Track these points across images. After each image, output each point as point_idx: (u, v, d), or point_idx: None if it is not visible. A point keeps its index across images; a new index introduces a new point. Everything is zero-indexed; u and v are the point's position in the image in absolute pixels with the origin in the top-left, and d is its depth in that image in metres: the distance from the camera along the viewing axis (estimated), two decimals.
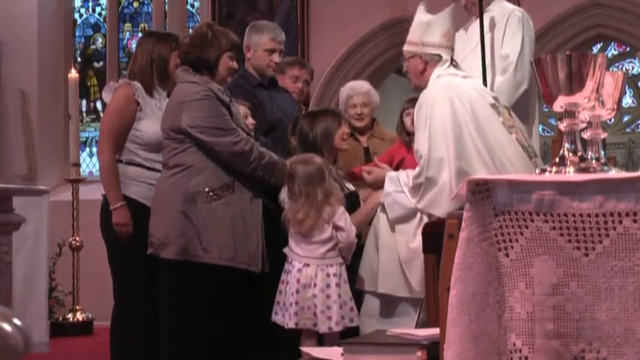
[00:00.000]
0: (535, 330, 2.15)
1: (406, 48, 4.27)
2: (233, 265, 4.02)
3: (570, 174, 2.26)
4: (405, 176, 4.17)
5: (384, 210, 4.22)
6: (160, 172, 4.21)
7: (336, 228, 4.07)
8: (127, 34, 9.26)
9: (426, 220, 4.07)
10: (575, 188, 2.14)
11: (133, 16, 9.28)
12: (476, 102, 4.10)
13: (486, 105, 4.14)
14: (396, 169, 4.55)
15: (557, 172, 2.29)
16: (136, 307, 4.26)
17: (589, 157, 2.43)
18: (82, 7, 9.39)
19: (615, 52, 10.07)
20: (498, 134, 4.07)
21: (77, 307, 7.34)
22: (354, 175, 4.61)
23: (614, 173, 2.31)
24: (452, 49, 4.26)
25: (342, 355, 2.97)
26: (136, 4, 9.28)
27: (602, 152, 2.52)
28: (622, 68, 9.95)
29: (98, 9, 9.36)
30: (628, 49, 9.34)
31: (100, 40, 9.33)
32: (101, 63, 9.28)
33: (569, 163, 2.31)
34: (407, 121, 4.74)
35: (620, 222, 2.10)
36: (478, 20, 4.63)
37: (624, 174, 2.26)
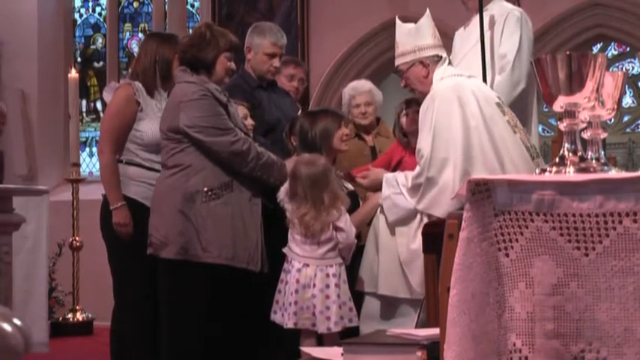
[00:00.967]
0: (535, 330, 2.15)
1: (402, 60, 4.26)
2: (232, 264, 4.02)
3: (570, 174, 2.26)
4: (404, 177, 4.17)
5: (383, 211, 4.22)
6: (159, 172, 4.21)
7: (336, 228, 4.07)
8: (127, 34, 9.26)
9: (426, 220, 4.07)
10: (575, 188, 2.14)
11: (133, 16, 9.28)
12: (482, 101, 4.09)
13: (492, 104, 4.13)
14: (394, 170, 4.55)
15: (557, 172, 2.29)
16: (136, 307, 4.26)
17: (589, 157, 2.43)
18: (82, 7, 9.39)
19: (615, 52, 10.06)
20: (504, 134, 4.07)
21: (77, 307, 7.34)
22: (351, 176, 4.60)
23: (614, 173, 2.31)
24: (443, 47, 4.28)
25: (342, 355, 2.97)
26: (136, 4, 9.28)
27: (602, 152, 2.51)
28: (622, 68, 9.95)
29: (98, 9, 9.36)
30: (628, 49, 9.33)
31: (100, 40, 9.34)
32: (101, 63, 9.28)
33: (569, 163, 2.31)
34: (404, 121, 4.75)
35: (620, 222, 2.11)
36: (477, 18, 4.63)
37: (624, 174, 2.26)
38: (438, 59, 4.21)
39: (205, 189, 4.01)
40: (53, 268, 7.49)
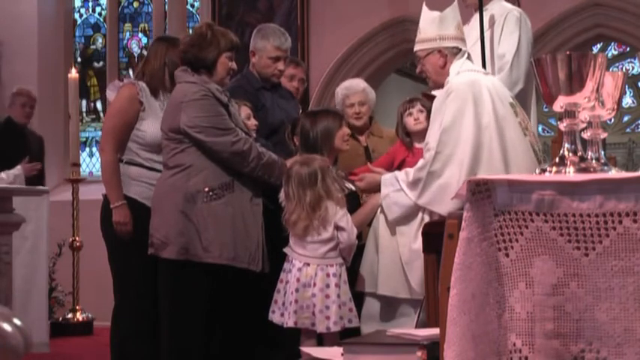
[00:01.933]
0: (535, 330, 2.15)
1: (422, 47, 4.21)
2: (233, 264, 4.02)
3: (570, 174, 2.26)
4: (404, 174, 4.15)
5: (383, 212, 4.22)
6: (160, 172, 4.21)
7: (338, 228, 4.08)
8: (127, 34, 9.26)
9: (427, 219, 4.06)
10: (575, 188, 2.14)
11: (133, 16, 9.28)
12: (497, 100, 4.07)
13: (506, 104, 4.11)
14: (397, 170, 4.54)
15: (557, 172, 2.29)
16: (136, 307, 4.26)
17: (589, 157, 2.43)
18: (82, 7, 9.39)
19: (615, 52, 10.08)
20: (514, 135, 4.04)
21: (77, 307, 7.34)
22: (355, 175, 4.60)
23: (614, 173, 2.31)
24: (465, 41, 4.25)
25: (342, 355, 2.97)
26: (136, 4, 9.28)
27: (602, 152, 2.51)
28: (622, 68, 9.95)
29: (98, 9, 9.36)
30: (628, 49, 9.35)
31: (100, 40, 9.34)
32: (101, 63, 9.28)
33: (569, 163, 2.31)
34: (408, 121, 4.72)
35: (620, 222, 2.11)
36: (477, 17, 4.63)
37: (624, 174, 2.26)
38: (457, 51, 4.18)
39: (206, 189, 4.01)
40: (53, 268, 7.49)
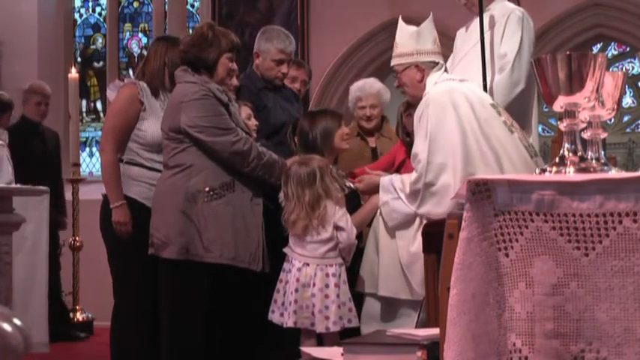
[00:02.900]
0: (535, 330, 2.15)
1: (399, 61, 4.26)
2: (234, 264, 4.02)
3: (570, 174, 2.26)
4: (400, 182, 4.17)
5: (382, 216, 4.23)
6: (160, 172, 4.21)
7: (337, 228, 4.08)
8: (127, 34, 9.27)
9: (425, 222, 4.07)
10: (575, 188, 2.14)
11: (133, 16, 9.28)
12: (476, 104, 4.11)
13: (487, 106, 4.15)
14: (397, 170, 4.55)
15: (557, 172, 2.29)
16: (136, 307, 4.26)
17: (589, 157, 2.43)
18: (82, 7, 9.40)
19: (615, 52, 10.06)
20: (500, 134, 4.08)
21: (77, 307, 7.34)
22: (355, 176, 4.60)
23: (614, 173, 2.31)
24: (442, 55, 4.29)
25: (342, 355, 2.97)
26: (136, 4, 9.28)
27: (602, 152, 2.51)
28: (622, 68, 9.94)
29: (98, 9, 9.36)
30: (628, 49, 9.33)
31: (100, 40, 9.34)
32: (101, 63, 9.28)
33: (569, 163, 2.30)
34: (408, 121, 4.73)
35: (620, 222, 2.10)
36: (478, 18, 4.63)
37: (624, 174, 2.26)
38: (434, 65, 4.22)
39: (207, 189, 4.01)
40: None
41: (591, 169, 2.30)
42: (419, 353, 2.77)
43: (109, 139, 4.34)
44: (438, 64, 4.23)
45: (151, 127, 4.28)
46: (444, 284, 2.33)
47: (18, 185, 5.71)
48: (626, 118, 10.42)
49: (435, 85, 4.17)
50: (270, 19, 7.76)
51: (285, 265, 4.12)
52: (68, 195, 7.37)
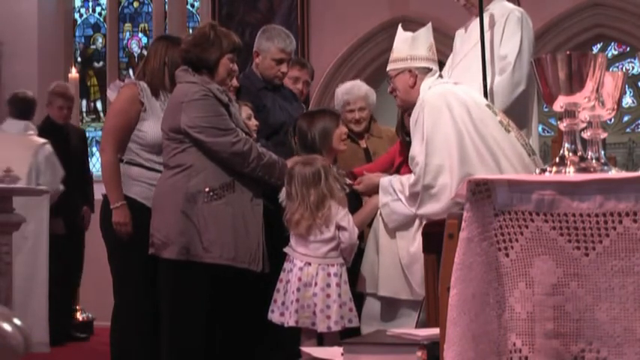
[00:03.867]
0: (535, 330, 2.15)
1: (393, 66, 4.28)
2: (234, 264, 4.02)
3: (570, 174, 2.26)
4: (399, 184, 4.18)
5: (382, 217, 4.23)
6: (159, 172, 4.21)
7: (339, 228, 4.08)
8: (127, 34, 9.27)
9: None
10: (575, 188, 2.14)
11: (133, 16, 9.28)
12: (471, 105, 4.13)
13: (482, 106, 4.17)
14: (398, 169, 4.55)
15: (557, 172, 2.29)
16: (136, 307, 4.26)
17: (589, 157, 2.43)
18: (82, 7, 9.40)
19: (615, 52, 10.06)
20: (496, 134, 4.09)
21: (77, 307, 7.34)
22: (354, 175, 4.60)
23: (614, 173, 2.31)
24: (437, 62, 4.30)
25: (342, 355, 2.97)
26: (136, 4, 9.28)
27: (602, 152, 2.51)
28: (622, 68, 9.94)
29: (98, 9, 9.36)
30: (628, 49, 9.33)
31: (100, 40, 9.34)
32: (101, 63, 9.28)
33: (569, 163, 2.31)
34: (407, 121, 4.73)
35: (620, 222, 2.11)
36: (478, 19, 4.63)
37: (624, 174, 2.26)
38: (427, 71, 4.24)
39: (207, 189, 4.01)
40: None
41: (591, 169, 2.30)
42: (419, 353, 2.77)
43: (109, 140, 4.34)
44: (431, 70, 4.24)
45: (151, 127, 4.28)
46: (444, 284, 2.33)
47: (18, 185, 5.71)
48: (626, 118, 10.42)
49: (430, 89, 4.19)
50: (271, 19, 7.75)
51: (286, 265, 4.12)
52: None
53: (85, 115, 9.25)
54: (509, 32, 4.65)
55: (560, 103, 2.33)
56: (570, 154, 2.33)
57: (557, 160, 2.33)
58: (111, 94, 4.67)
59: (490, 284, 2.18)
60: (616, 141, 10.18)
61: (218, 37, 4.13)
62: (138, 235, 4.18)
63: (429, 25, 4.33)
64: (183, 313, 4.01)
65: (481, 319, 2.16)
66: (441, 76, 4.34)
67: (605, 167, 2.36)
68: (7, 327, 1.53)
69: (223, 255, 4.00)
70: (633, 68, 10.25)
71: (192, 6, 9.01)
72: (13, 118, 6.64)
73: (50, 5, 8.99)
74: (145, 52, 8.85)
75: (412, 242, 4.09)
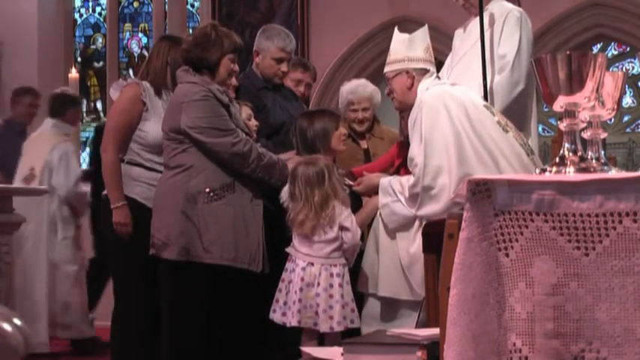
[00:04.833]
0: (535, 330, 2.15)
1: (390, 68, 4.30)
2: (234, 265, 4.02)
3: (570, 174, 2.26)
4: (399, 185, 4.18)
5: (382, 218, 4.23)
6: (160, 173, 4.21)
7: (342, 228, 4.08)
8: (127, 34, 9.27)
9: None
10: (575, 188, 2.14)
11: (133, 16, 9.29)
12: (469, 106, 4.13)
13: (479, 107, 4.17)
14: (398, 169, 4.55)
15: (557, 172, 2.30)
16: (136, 307, 4.26)
17: (589, 157, 2.43)
18: (82, 7, 9.40)
19: (615, 52, 10.06)
20: (494, 134, 4.09)
21: None
22: (353, 174, 4.60)
23: (614, 173, 2.31)
24: (434, 63, 4.32)
25: (342, 354, 2.97)
26: (136, 4, 9.28)
27: (602, 152, 2.52)
28: (622, 68, 9.94)
29: (98, 9, 9.37)
30: (628, 49, 9.33)
31: (100, 40, 9.34)
32: (101, 63, 9.28)
33: (569, 163, 2.31)
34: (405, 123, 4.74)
35: (620, 222, 2.11)
36: (477, 18, 4.63)
37: (624, 174, 2.26)
38: (424, 73, 4.24)
39: (207, 190, 4.00)
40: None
41: (591, 169, 2.30)
42: (419, 353, 2.77)
43: (111, 139, 4.33)
44: (428, 71, 4.25)
45: (152, 128, 4.28)
46: (444, 284, 2.33)
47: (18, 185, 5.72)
48: (626, 118, 10.42)
49: (427, 90, 4.19)
50: (271, 19, 7.76)
51: (288, 265, 4.12)
52: None
53: (85, 115, 9.25)
54: (508, 31, 4.65)
55: (560, 103, 2.33)
56: (570, 154, 2.33)
57: (557, 160, 2.33)
58: (113, 93, 4.67)
59: (490, 284, 2.18)
60: (616, 141, 10.17)
61: (219, 37, 4.13)
62: (138, 235, 4.17)
63: (426, 26, 4.34)
64: (183, 313, 4.01)
65: (481, 319, 2.16)
66: (438, 77, 4.34)
67: (605, 167, 2.37)
68: (7, 327, 1.53)
69: (223, 255, 4.00)
70: (633, 68, 10.25)
71: (192, 6, 9.01)
72: (48, 116, 6.69)
73: (50, 5, 8.99)
74: (145, 52, 8.87)
75: (412, 243, 4.09)
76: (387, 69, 4.33)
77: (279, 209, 4.18)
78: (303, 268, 4.05)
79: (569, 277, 2.13)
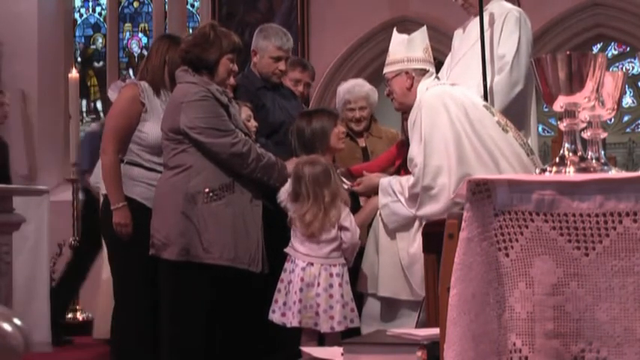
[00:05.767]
0: (535, 330, 2.15)
1: (390, 69, 4.31)
2: (234, 265, 4.02)
3: (570, 174, 2.26)
4: (399, 185, 4.18)
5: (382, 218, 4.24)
6: (159, 173, 4.21)
7: (341, 228, 4.08)
8: (127, 34, 9.26)
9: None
10: (575, 188, 2.14)
11: (133, 16, 9.28)
12: (469, 106, 4.13)
13: (479, 107, 4.17)
14: (398, 169, 4.55)
15: (557, 172, 2.30)
16: (136, 307, 4.25)
17: (589, 157, 2.43)
18: (82, 7, 9.40)
19: (615, 52, 10.06)
20: (493, 134, 4.10)
21: (77, 307, 7.33)
22: (352, 173, 4.61)
23: (614, 173, 2.31)
24: (433, 64, 4.32)
25: (342, 354, 2.97)
26: (136, 4, 9.28)
27: (602, 152, 2.52)
28: (622, 68, 9.94)
29: (98, 9, 9.36)
30: (628, 49, 9.33)
31: (100, 40, 9.34)
32: (101, 63, 9.28)
33: (569, 163, 2.31)
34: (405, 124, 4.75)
35: (620, 222, 2.11)
36: (476, 18, 4.63)
37: (624, 174, 2.26)
38: (424, 73, 4.24)
39: (206, 190, 4.00)
40: (53, 268, 7.47)
41: (591, 169, 2.30)
42: (419, 353, 2.77)
43: (110, 141, 4.33)
44: (428, 71, 4.25)
45: (152, 129, 4.27)
46: (444, 284, 2.33)
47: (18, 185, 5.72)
48: (626, 118, 10.42)
49: (427, 90, 4.19)
50: (271, 19, 7.75)
51: (287, 265, 4.12)
52: (68, 195, 7.36)
53: (85, 115, 9.25)
54: (507, 31, 4.65)
55: (560, 103, 2.33)
56: (570, 154, 2.33)
57: (557, 160, 2.33)
58: (112, 94, 4.67)
59: (490, 284, 2.18)
60: (616, 141, 10.17)
61: (218, 37, 4.13)
62: (138, 235, 4.17)
63: (424, 27, 4.36)
64: (183, 313, 4.01)
65: (481, 319, 2.16)
66: (437, 77, 4.34)
67: (605, 167, 2.37)
68: (7, 327, 1.53)
69: (223, 255, 4.00)
70: (633, 68, 10.25)
71: (192, 6, 9.01)
72: None
73: (50, 5, 8.99)
74: (145, 52, 8.86)
75: (412, 243, 4.10)
76: (386, 70, 4.34)
77: (279, 209, 4.18)
78: (303, 269, 4.05)
79: (569, 277, 2.13)
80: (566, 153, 2.33)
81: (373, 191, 4.30)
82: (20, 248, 5.60)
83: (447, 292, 2.21)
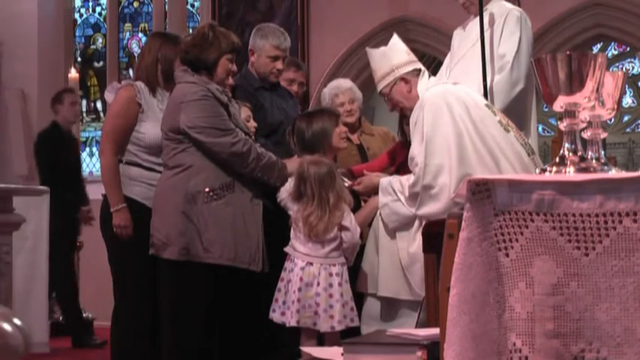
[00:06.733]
0: (535, 330, 2.15)
1: (383, 84, 4.30)
2: (234, 264, 4.02)
3: (570, 174, 2.26)
4: (399, 184, 4.18)
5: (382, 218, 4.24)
6: (159, 173, 4.21)
7: (342, 228, 4.08)
8: (127, 34, 9.27)
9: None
10: (575, 188, 2.14)
11: (133, 16, 9.29)
12: (471, 105, 4.13)
13: (481, 106, 4.17)
14: (398, 169, 4.55)
15: (557, 171, 2.29)
16: (136, 307, 4.26)
17: (589, 157, 2.43)
18: (82, 7, 9.40)
19: (615, 52, 10.07)
20: (495, 133, 4.10)
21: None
22: (352, 173, 4.61)
23: (614, 173, 2.31)
24: (419, 61, 4.35)
25: (342, 355, 2.97)
26: (136, 4, 9.29)
27: (602, 152, 2.51)
28: (622, 68, 9.95)
29: (98, 9, 9.37)
30: (628, 49, 9.34)
31: (100, 40, 9.34)
32: (101, 63, 9.29)
33: (569, 163, 2.31)
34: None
35: (620, 222, 2.10)
36: (477, 18, 4.63)
37: (624, 174, 2.26)
38: (417, 73, 4.25)
39: (207, 189, 4.01)
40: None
41: (591, 169, 2.30)
42: (419, 353, 2.77)
43: (108, 142, 4.33)
44: (420, 70, 4.25)
45: (149, 129, 4.28)
46: (444, 284, 2.33)
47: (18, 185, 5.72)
48: (626, 118, 10.43)
49: (428, 90, 4.19)
50: (271, 19, 7.75)
51: (287, 265, 4.12)
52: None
53: (85, 115, 9.26)
54: (507, 31, 4.65)
55: (560, 103, 2.33)
56: (570, 154, 2.33)
57: (557, 160, 2.33)
58: (108, 95, 4.66)
59: (490, 284, 2.18)
60: (616, 141, 10.19)
61: (217, 37, 4.13)
62: (138, 235, 4.17)
63: (395, 35, 4.44)
64: (183, 313, 4.01)
65: (481, 319, 2.16)
66: (429, 74, 4.33)
67: (605, 167, 2.36)
68: (7, 327, 1.53)
69: (223, 255, 4.00)
70: (633, 68, 10.26)
71: (192, 6, 9.01)
72: None
73: (50, 5, 8.99)
74: None
75: (412, 243, 4.09)
76: (380, 86, 4.33)
77: (279, 209, 4.18)
78: (302, 268, 4.05)
79: (569, 277, 2.13)
80: (566, 153, 2.33)
81: (373, 191, 4.30)
82: (19, 248, 5.61)
83: (447, 292, 2.21)
